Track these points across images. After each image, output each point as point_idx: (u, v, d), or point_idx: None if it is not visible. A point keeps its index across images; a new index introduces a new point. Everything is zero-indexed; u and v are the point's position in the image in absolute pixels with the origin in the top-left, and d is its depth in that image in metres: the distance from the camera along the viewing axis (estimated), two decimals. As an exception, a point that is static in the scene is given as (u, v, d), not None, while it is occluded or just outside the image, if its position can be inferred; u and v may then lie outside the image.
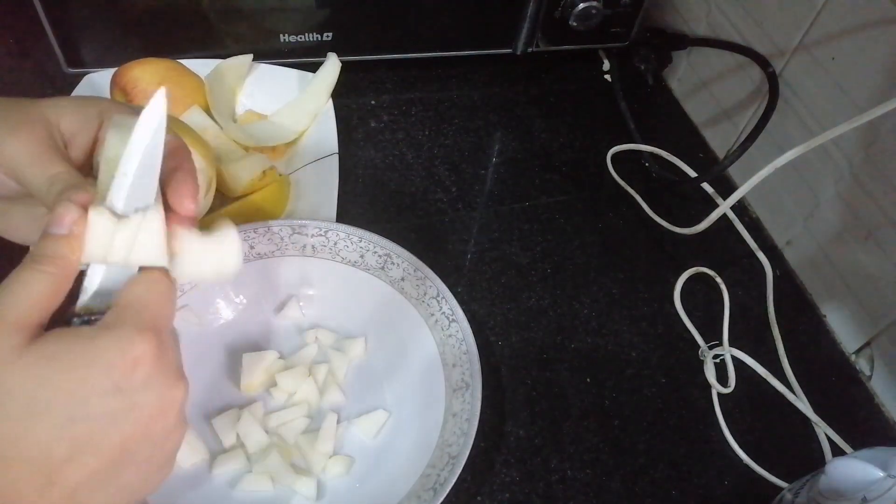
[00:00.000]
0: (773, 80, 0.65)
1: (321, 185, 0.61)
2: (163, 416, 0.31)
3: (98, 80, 0.64)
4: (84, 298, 0.33)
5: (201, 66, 0.64)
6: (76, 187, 0.33)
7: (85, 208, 0.31)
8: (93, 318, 0.32)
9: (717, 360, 0.60)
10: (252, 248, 0.55)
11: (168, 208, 0.34)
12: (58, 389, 0.28)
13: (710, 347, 0.60)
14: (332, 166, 0.62)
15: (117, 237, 0.32)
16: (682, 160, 0.73)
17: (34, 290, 0.30)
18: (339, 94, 0.67)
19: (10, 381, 0.28)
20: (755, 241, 0.68)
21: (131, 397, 0.29)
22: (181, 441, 0.33)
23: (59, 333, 0.30)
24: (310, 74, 0.68)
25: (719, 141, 0.76)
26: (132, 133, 0.31)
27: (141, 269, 0.33)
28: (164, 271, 0.33)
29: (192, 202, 0.35)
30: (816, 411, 0.57)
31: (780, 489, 0.51)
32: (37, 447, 0.28)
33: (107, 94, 0.62)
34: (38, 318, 0.30)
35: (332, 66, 0.67)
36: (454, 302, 0.52)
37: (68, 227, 0.31)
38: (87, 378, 0.29)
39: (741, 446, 0.55)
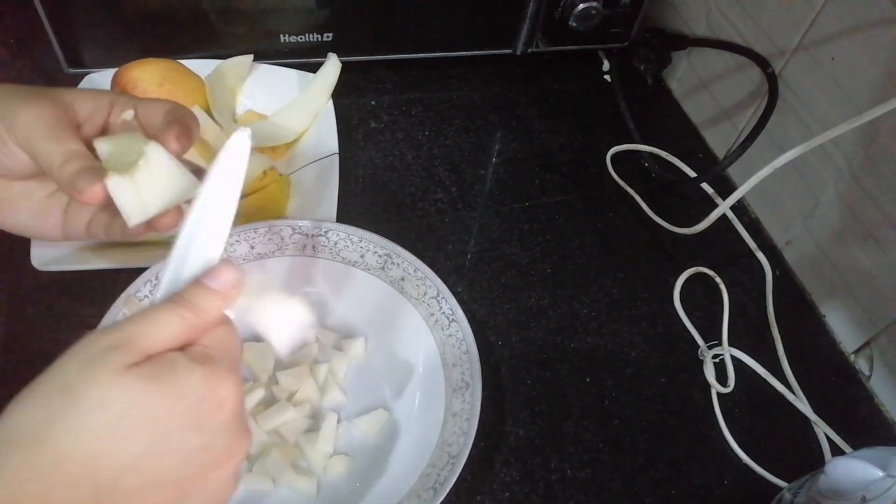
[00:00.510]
0: (772, 80, 0.65)
1: (321, 185, 0.61)
2: (227, 464, 0.31)
3: (98, 80, 0.64)
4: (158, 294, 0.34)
5: (201, 66, 0.64)
6: (92, 170, 0.34)
7: (236, 270, 0.33)
8: None
9: (717, 360, 0.60)
10: (252, 248, 0.55)
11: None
12: (146, 413, 0.28)
13: (710, 347, 0.60)
14: (332, 166, 0.62)
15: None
16: (681, 160, 0.73)
17: (168, 329, 0.30)
18: (339, 94, 0.67)
19: (109, 394, 0.28)
20: (755, 241, 0.68)
21: (209, 438, 0.30)
22: (230, 497, 0.32)
23: (162, 356, 0.30)
24: (310, 74, 0.68)
25: (719, 141, 0.76)
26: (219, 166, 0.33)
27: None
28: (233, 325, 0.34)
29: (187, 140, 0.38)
30: (816, 411, 0.58)
31: (780, 489, 0.52)
32: (108, 472, 0.27)
33: (107, 94, 0.62)
34: (161, 351, 0.30)
35: (332, 67, 0.67)
36: (454, 302, 0.52)
37: (225, 287, 0.32)
38: (176, 408, 0.29)
39: (741, 446, 0.55)
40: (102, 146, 0.38)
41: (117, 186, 0.35)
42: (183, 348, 0.31)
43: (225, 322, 0.33)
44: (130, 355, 0.29)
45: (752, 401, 0.58)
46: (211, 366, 0.30)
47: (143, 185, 0.35)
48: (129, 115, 0.39)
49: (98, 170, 0.35)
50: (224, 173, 0.33)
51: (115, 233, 0.41)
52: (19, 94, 0.37)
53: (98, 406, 0.27)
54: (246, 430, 0.32)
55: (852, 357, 0.62)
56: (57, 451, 0.27)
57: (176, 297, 0.31)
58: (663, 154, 0.73)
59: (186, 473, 0.29)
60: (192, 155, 0.54)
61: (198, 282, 0.32)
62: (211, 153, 0.56)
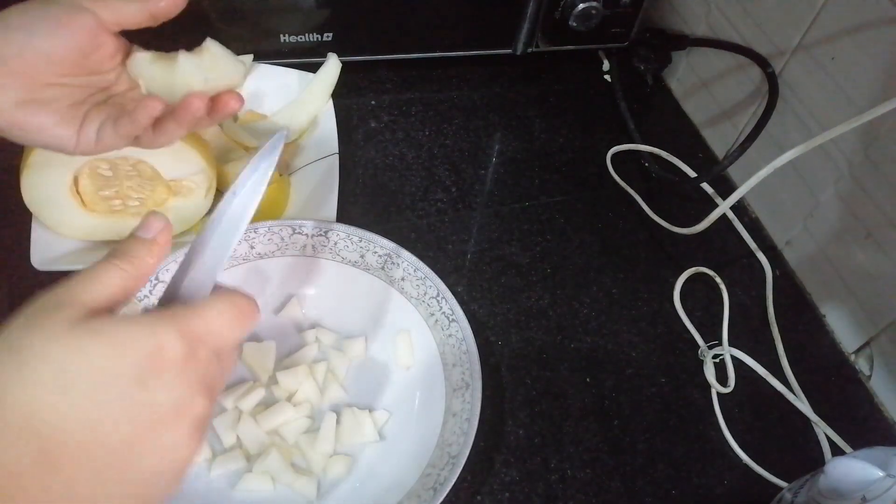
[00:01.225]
0: (772, 80, 0.65)
1: (321, 185, 0.61)
2: (176, 424, 0.30)
3: (98, 80, 0.63)
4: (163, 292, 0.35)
5: (201, 66, 0.64)
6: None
7: (164, 218, 0.34)
8: None
9: (717, 360, 0.60)
10: (252, 248, 0.55)
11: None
12: (90, 364, 0.28)
13: (710, 347, 0.60)
14: (332, 166, 0.62)
15: None
16: (681, 160, 0.73)
17: (108, 282, 0.31)
18: (339, 94, 0.67)
19: (53, 348, 0.28)
20: (755, 241, 0.68)
21: (151, 394, 0.29)
22: (188, 462, 0.31)
23: (109, 315, 0.30)
24: (310, 74, 0.68)
25: (719, 141, 0.76)
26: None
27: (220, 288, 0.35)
28: (253, 300, 0.34)
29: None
30: (816, 411, 0.58)
31: (780, 489, 0.52)
32: (54, 425, 0.27)
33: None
34: (105, 306, 0.31)
35: (332, 66, 0.67)
36: (454, 302, 0.52)
37: (154, 233, 0.34)
38: (118, 361, 0.28)
39: (741, 446, 0.55)
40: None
41: (185, 62, 0.45)
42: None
43: (217, 295, 0.33)
44: (73, 311, 0.29)
45: (752, 401, 0.58)
46: (157, 322, 0.30)
47: (206, 62, 0.45)
48: None
49: None
50: (256, 177, 0.36)
51: (124, 132, 0.43)
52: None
53: (41, 360, 0.28)
54: (200, 391, 0.31)
55: (852, 357, 0.62)
56: (0, 406, 0.27)
57: (111, 252, 0.32)
58: (663, 154, 0.73)
59: (133, 430, 0.29)
60: (192, 155, 0.54)
61: (130, 234, 0.34)
62: (211, 153, 0.56)
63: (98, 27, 0.42)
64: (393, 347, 0.54)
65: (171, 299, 0.34)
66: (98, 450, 0.28)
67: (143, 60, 0.45)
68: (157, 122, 0.43)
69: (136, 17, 0.43)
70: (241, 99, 0.45)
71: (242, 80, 0.46)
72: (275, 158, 0.37)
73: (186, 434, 0.30)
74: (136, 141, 0.44)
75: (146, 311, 0.32)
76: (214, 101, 0.44)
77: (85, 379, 0.28)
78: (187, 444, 0.31)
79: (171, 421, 0.30)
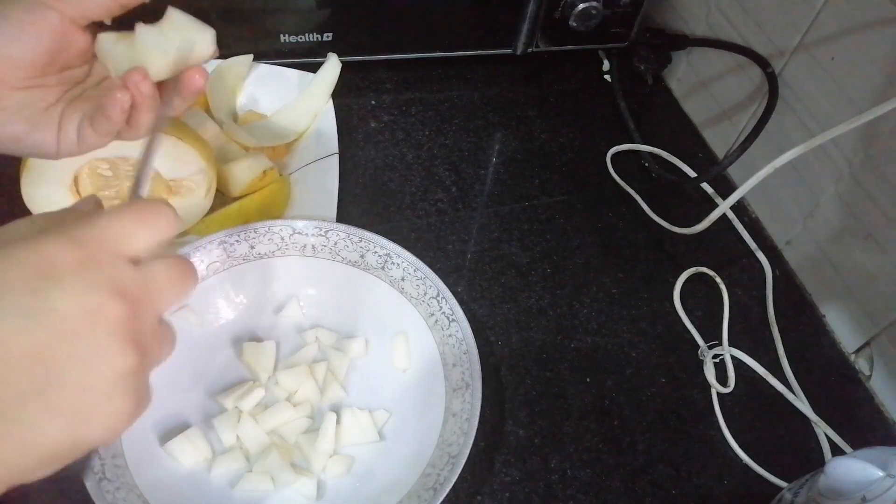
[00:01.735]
0: (772, 80, 0.65)
1: (321, 185, 0.61)
2: (90, 332, 0.28)
3: (98, 80, 0.63)
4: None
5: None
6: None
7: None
8: None
9: (717, 360, 0.60)
10: (252, 248, 0.55)
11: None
12: None
13: (710, 347, 0.60)
14: (332, 166, 0.62)
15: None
16: (681, 160, 0.73)
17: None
18: (339, 94, 0.67)
19: None
20: (755, 240, 0.68)
21: (47, 301, 0.27)
22: (123, 376, 0.28)
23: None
24: (310, 74, 0.68)
25: (719, 141, 0.76)
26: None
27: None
28: (162, 204, 0.32)
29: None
30: (816, 411, 0.58)
31: (780, 489, 0.52)
32: None
33: (107, 94, 0.62)
34: None
35: (332, 66, 0.67)
36: (454, 302, 0.52)
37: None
38: (4, 274, 0.27)
39: (741, 446, 0.55)
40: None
41: (144, 35, 0.39)
42: None
43: (121, 203, 0.32)
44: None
45: (752, 401, 0.58)
46: (43, 233, 0.28)
47: (168, 33, 0.39)
48: None
49: None
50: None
51: (103, 131, 0.41)
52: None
53: None
54: (110, 294, 0.28)
55: (852, 357, 0.62)
56: None
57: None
58: (663, 154, 0.73)
59: (35, 338, 0.27)
60: (192, 155, 0.54)
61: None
62: (211, 153, 0.56)
63: (64, 25, 0.39)
64: (391, 348, 0.54)
65: None
66: (6, 368, 0.26)
67: (107, 41, 0.41)
68: (130, 115, 0.40)
69: (103, 6, 0.40)
70: (205, 73, 0.41)
71: (210, 50, 0.41)
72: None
73: (105, 342, 0.28)
74: (118, 136, 0.42)
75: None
76: (179, 79, 0.40)
77: None
78: (112, 353, 0.28)
79: (82, 331, 0.27)
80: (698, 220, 0.63)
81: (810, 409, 0.58)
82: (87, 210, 0.33)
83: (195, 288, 0.33)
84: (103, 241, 0.29)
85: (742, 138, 0.66)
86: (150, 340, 0.30)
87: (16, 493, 0.28)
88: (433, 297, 0.53)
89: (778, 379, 0.59)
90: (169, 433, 0.48)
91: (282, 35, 0.68)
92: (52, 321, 0.27)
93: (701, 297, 0.64)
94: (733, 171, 0.73)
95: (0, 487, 0.27)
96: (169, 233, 0.31)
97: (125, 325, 0.28)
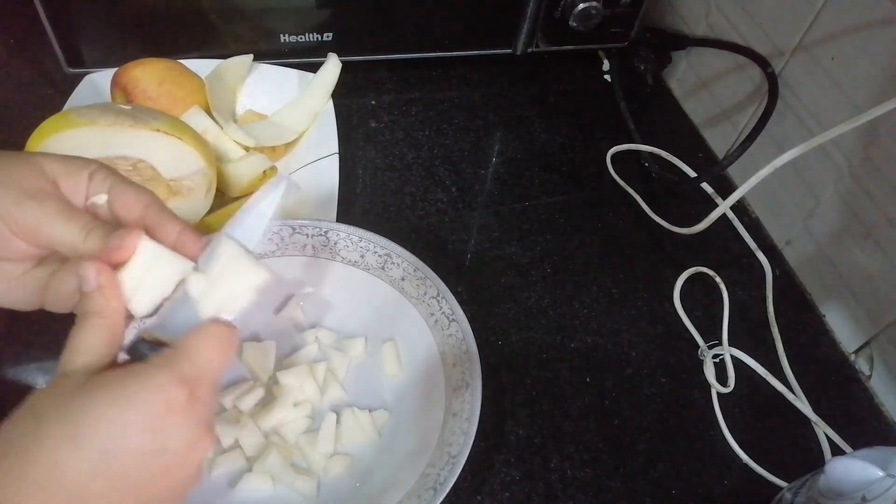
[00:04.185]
0: (772, 80, 0.65)
1: (321, 185, 0.61)
2: (188, 463, 0.33)
3: (98, 80, 0.64)
4: (152, 322, 0.35)
5: (201, 66, 0.64)
6: (121, 233, 0.35)
7: (109, 264, 0.34)
8: (160, 347, 0.34)
9: (717, 360, 0.60)
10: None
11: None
12: (99, 418, 0.30)
13: (710, 347, 0.60)
14: (332, 166, 0.62)
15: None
16: (681, 160, 0.73)
17: (93, 341, 0.33)
18: (339, 94, 0.67)
19: (65, 409, 0.30)
20: (755, 240, 0.68)
21: (163, 439, 0.31)
22: (193, 487, 0.34)
23: (112, 369, 0.33)
24: (310, 74, 0.68)
25: (719, 141, 0.76)
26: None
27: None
28: (232, 326, 0.35)
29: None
30: (816, 411, 0.58)
31: (780, 489, 0.52)
32: (73, 477, 0.30)
33: (107, 95, 0.62)
34: (101, 362, 0.33)
35: (332, 66, 0.67)
36: (454, 302, 0.52)
37: (94, 282, 0.34)
38: (125, 411, 0.30)
39: (741, 446, 0.55)
40: None
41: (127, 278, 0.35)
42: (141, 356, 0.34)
43: (205, 330, 0.34)
44: (75, 379, 0.31)
45: (752, 401, 0.58)
46: (158, 370, 0.32)
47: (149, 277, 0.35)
48: (101, 199, 0.37)
49: (118, 230, 0.35)
50: (255, 219, 0.36)
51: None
52: (11, 185, 0.35)
53: (54, 420, 0.30)
54: (206, 429, 0.33)
55: (852, 357, 0.62)
56: (24, 463, 0.29)
57: (79, 316, 0.34)
58: (663, 154, 0.73)
59: (151, 472, 0.31)
60: (192, 155, 0.54)
61: (80, 293, 0.34)
62: (211, 153, 0.56)
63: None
64: (384, 354, 0.54)
65: (158, 327, 0.35)
66: (120, 496, 0.31)
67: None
68: None
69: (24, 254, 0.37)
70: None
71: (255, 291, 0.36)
72: (272, 204, 0.36)
73: (195, 469, 0.34)
74: None
75: (151, 350, 0.34)
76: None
77: (97, 433, 0.30)
78: (195, 478, 0.34)
79: (182, 461, 0.32)
80: (698, 220, 0.63)
81: (810, 409, 0.58)
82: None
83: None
84: (202, 374, 0.33)
85: (742, 138, 0.66)
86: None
87: None
88: (433, 297, 0.53)
89: (778, 379, 0.59)
90: (169, 433, 0.48)
91: (282, 35, 0.68)
92: (163, 458, 0.32)
93: (701, 297, 0.64)
94: (733, 171, 0.73)
95: None
96: (235, 353, 0.36)
97: (209, 452, 0.34)
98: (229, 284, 0.35)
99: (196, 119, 0.61)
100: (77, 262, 0.35)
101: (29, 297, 0.39)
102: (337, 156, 0.63)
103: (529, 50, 0.75)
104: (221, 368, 0.34)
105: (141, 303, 0.35)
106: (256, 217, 0.36)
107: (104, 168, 0.38)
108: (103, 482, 0.30)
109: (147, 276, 0.35)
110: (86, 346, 0.33)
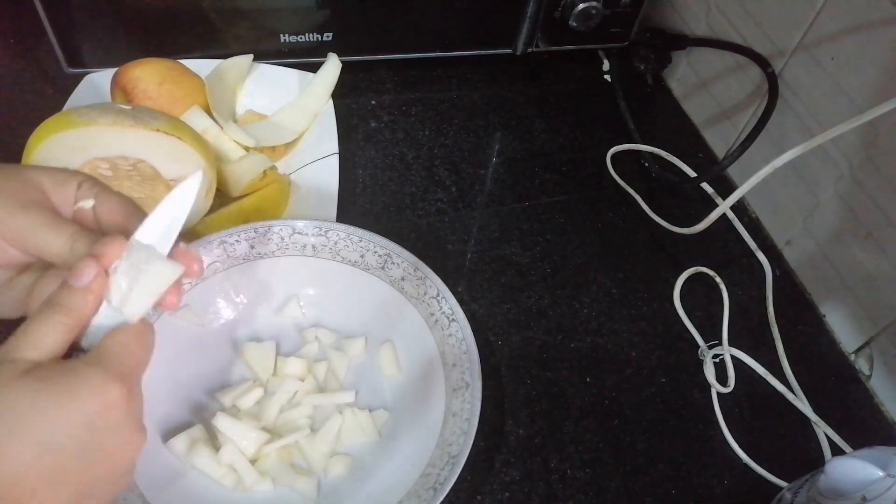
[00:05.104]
0: (772, 80, 0.65)
1: (321, 185, 0.61)
2: (124, 459, 0.34)
3: (98, 80, 0.64)
4: (90, 336, 0.36)
5: (201, 66, 0.64)
6: (106, 241, 0.35)
7: (105, 267, 0.35)
8: (78, 351, 0.35)
9: (717, 360, 0.60)
10: (252, 247, 0.55)
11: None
12: (39, 413, 0.30)
13: (710, 347, 0.60)
14: (332, 166, 0.62)
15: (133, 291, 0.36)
16: (681, 160, 0.73)
17: (50, 338, 0.33)
18: (339, 94, 0.67)
19: (4, 400, 0.30)
20: (755, 240, 0.68)
21: (101, 437, 0.32)
22: (126, 485, 0.36)
23: (53, 362, 0.33)
24: (310, 74, 0.68)
25: (719, 141, 0.76)
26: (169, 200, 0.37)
27: None
28: (150, 324, 0.36)
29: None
30: (816, 411, 0.58)
31: (780, 489, 0.52)
32: (9, 468, 0.30)
33: (107, 95, 0.62)
34: (48, 357, 0.33)
35: (332, 66, 0.67)
36: (454, 302, 0.52)
37: (87, 281, 0.34)
38: (66, 407, 0.31)
39: (741, 446, 0.55)
40: None
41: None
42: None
43: (129, 328, 0.35)
44: (17, 367, 0.31)
45: (752, 401, 0.58)
46: (94, 368, 0.32)
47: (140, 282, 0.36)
48: (87, 203, 0.39)
49: (107, 239, 0.36)
50: (169, 212, 0.37)
51: None
52: (4, 195, 0.36)
53: None
54: (139, 426, 0.34)
55: (852, 357, 0.62)
56: None
57: (48, 302, 0.34)
58: (663, 154, 0.73)
59: (88, 469, 0.32)
60: (192, 155, 0.54)
61: (63, 283, 0.34)
62: (211, 153, 0.56)
63: None
64: (381, 355, 0.54)
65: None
66: (53, 491, 0.31)
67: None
68: None
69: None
70: (178, 293, 0.38)
71: (176, 276, 0.37)
72: (186, 205, 0.37)
73: (129, 466, 0.35)
74: None
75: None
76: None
77: (36, 427, 0.30)
78: (129, 473, 0.35)
79: (119, 459, 0.33)
80: (698, 220, 0.63)
81: (810, 409, 0.58)
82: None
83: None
84: (133, 372, 0.34)
85: (742, 138, 0.66)
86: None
87: None
88: (433, 297, 0.53)
89: (778, 379, 0.59)
90: (169, 432, 0.48)
91: (282, 35, 0.68)
92: (102, 455, 0.32)
93: (701, 297, 0.64)
94: (733, 171, 0.73)
95: None
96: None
97: (139, 451, 0.35)
98: (144, 285, 0.36)
99: (196, 119, 0.61)
100: (59, 270, 0.36)
101: (14, 304, 0.40)
102: (337, 156, 0.63)
103: (529, 50, 0.75)
104: (146, 366, 0.35)
105: (134, 307, 0.36)
106: (171, 220, 0.37)
107: (90, 179, 0.40)
108: (37, 476, 0.30)
109: (138, 281, 0.35)
110: (40, 341, 0.33)
